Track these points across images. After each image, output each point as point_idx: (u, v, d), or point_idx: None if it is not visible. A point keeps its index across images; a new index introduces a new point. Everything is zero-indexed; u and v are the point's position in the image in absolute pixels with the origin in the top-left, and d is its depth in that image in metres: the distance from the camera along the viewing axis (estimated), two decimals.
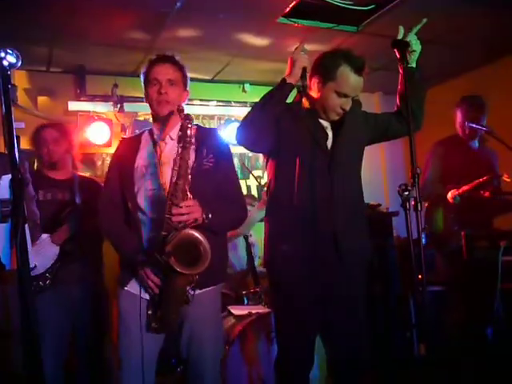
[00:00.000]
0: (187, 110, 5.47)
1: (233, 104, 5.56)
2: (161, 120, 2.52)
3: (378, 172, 6.49)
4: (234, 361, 3.33)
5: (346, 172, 2.54)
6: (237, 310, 3.74)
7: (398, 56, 2.14)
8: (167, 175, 2.36)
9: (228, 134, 5.31)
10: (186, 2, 3.74)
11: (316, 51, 2.61)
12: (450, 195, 3.43)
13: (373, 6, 4.04)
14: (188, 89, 2.61)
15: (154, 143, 2.52)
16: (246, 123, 2.44)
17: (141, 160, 2.50)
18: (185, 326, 2.41)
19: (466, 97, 4.04)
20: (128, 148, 2.59)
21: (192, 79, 5.32)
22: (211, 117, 5.55)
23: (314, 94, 2.52)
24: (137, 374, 2.33)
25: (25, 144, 4.31)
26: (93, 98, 5.01)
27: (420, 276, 1.87)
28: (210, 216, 2.29)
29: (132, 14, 3.93)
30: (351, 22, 4.38)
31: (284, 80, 2.39)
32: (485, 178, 3.38)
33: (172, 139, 2.50)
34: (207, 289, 2.40)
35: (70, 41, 4.38)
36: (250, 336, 3.46)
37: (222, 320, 2.58)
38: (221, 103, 5.52)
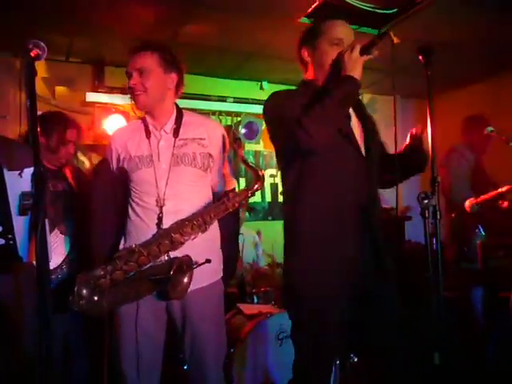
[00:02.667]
0: (203, 105, 5.49)
1: (250, 101, 5.57)
2: (150, 111, 2.44)
3: None
4: (243, 360, 3.34)
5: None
6: (247, 309, 3.75)
7: (423, 62, 2.09)
8: (162, 170, 2.37)
9: (245, 131, 5.33)
10: None
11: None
12: (467, 204, 3.38)
13: (394, 10, 4.01)
14: (176, 70, 2.45)
15: (148, 134, 2.43)
16: (323, 121, 2.11)
17: (135, 150, 2.43)
18: (187, 325, 2.37)
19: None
20: (123, 139, 2.49)
21: (210, 75, 5.44)
22: (228, 113, 5.56)
23: (311, 66, 2.35)
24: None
25: None
26: (111, 90, 5.01)
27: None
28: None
29: (154, 8, 3.94)
30: (373, 25, 4.34)
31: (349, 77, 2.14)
32: (506, 188, 3.31)
33: (166, 133, 2.43)
34: (203, 285, 2.36)
35: (91, 32, 4.40)
36: (260, 335, 3.46)
37: (223, 317, 2.54)
38: (238, 100, 5.53)
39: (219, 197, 2.41)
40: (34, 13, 3.93)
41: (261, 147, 5.76)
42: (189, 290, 2.27)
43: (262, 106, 2.39)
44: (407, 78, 5.36)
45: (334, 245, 2.18)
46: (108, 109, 4.91)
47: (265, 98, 2.26)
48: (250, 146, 5.68)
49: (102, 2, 3.82)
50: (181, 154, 2.39)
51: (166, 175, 2.36)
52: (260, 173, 2.33)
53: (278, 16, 4.03)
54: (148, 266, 2.28)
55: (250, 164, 2.38)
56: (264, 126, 5.52)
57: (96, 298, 2.21)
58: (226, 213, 2.35)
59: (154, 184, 2.35)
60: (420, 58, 1.97)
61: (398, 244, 4.93)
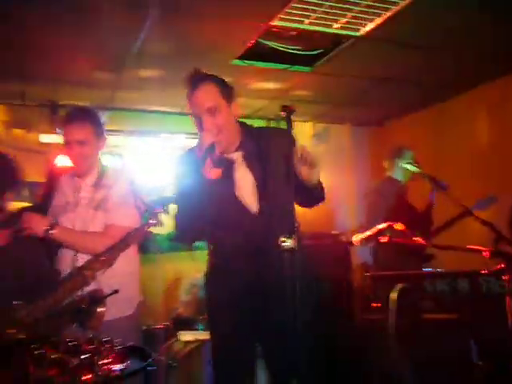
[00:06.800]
0: (155, 142, 5.57)
1: None
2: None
3: (347, 197, 6.40)
4: None
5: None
6: (186, 336, 3.94)
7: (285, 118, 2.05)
8: (80, 215, 2.67)
9: None
10: (141, 47, 3.94)
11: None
12: (356, 239, 3.59)
13: (321, 51, 4.24)
14: (105, 134, 2.77)
15: (74, 184, 2.76)
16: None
17: (61, 195, 2.78)
18: None
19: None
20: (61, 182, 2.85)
21: (161, 112, 5.63)
22: (179, 149, 5.72)
23: None
24: None
25: None
26: None
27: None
28: None
29: (94, 55, 4.16)
30: (305, 63, 4.57)
31: None
32: (385, 225, 3.47)
33: (87, 185, 2.74)
34: (119, 316, 2.59)
35: (41, 78, 4.64)
36: (194, 361, 3.65)
37: None
38: (189, 136, 5.72)
39: None
40: None
41: None
42: (105, 319, 2.41)
43: None
44: (357, 108, 5.67)
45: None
46: (61, 148, 5.11)
47: None
48: None
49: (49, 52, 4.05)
50: (97, 201, 2.69)
51: (82, 219, 2.67)
52: (155, 210, 2.53)
53: (212, 60, 4.20)
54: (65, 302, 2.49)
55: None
56: None
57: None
58: (129, 247, 2.60)
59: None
60: (283, 113, 2.08)
61: (344, 271, 4.99)
